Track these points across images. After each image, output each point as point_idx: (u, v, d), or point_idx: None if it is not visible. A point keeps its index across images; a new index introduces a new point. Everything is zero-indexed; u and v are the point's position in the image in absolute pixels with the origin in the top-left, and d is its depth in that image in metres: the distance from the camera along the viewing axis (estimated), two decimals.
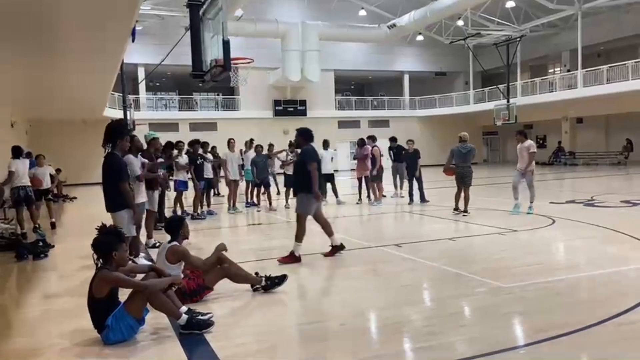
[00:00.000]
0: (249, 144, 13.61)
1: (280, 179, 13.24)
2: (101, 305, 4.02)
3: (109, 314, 3.98)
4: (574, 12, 26.12)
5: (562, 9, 26.43)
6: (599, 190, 14.31)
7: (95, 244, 4.11)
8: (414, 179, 13.21)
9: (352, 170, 14.39)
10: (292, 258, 6.59)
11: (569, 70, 29.23)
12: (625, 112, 26.20)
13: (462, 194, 10.44)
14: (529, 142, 10.40)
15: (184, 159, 11.38)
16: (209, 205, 12.19)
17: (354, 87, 40.15)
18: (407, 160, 13.51)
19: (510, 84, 28.42)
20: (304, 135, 7.02)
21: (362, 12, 30.91)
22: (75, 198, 18.15)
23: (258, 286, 5.26)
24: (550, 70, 33.79)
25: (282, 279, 5.34)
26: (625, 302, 4.53)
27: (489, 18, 29.30)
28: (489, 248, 7.44)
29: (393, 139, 14.29)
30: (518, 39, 27.78)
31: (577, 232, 8.33)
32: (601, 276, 5.61)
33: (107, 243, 4.10)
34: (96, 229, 4.22)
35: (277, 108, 31.68)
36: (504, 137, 36.96)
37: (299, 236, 6.70)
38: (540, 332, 3.94)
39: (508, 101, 28.03)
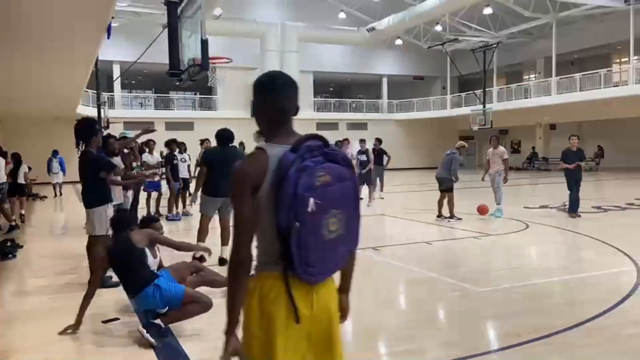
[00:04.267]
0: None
1: None
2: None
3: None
4: (549, 20, 26.65)
5: (538, 17, 26.94)
6: None
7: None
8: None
9: None
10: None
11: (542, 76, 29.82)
12: (597, 120, 26.84)
13: (446, 200, 10.39)
14: (502, 149, 10.76)
15: (154, 158, 11.19)
16: (184, 206, 12.00)
17: (333, 89, 40.21)
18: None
19: (486, 89, 28.84)
20: (216, 136, 7.01)
21: (342, 15, 30.98)
22: (45, 197, 17.74)
23: None
24: (525, 77, 34.39)
25: None
26: (596, 306, 4.61)
27: (467, 24, 29.69)
28: (465, 252, 7.51)
29: (379, 141, 14.41)
30: (494, 45, 28.19)
31: (550, 237, 8.47)
32: (573, 281, 5.70)
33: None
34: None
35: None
36: (479, 141, 37.47)
37: (198, 235, 6.75)
38: (514, 336, 3.97)
39: (484, 106, 28.42)
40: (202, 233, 6.72)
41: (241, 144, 14.25)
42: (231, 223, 6.81)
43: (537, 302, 4.94)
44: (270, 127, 1.89)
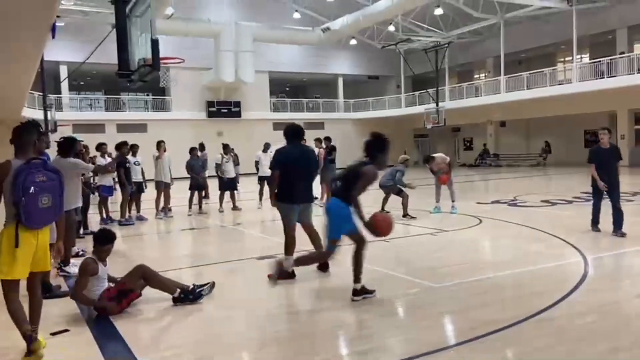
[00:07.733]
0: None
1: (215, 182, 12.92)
2: None
3: None
4: (497, 20, 27.47)
5: (486, 17, 27.72)
6: (521, 191, 15.08)
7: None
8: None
9: None
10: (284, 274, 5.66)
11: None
12: (543, 117, 27.87)
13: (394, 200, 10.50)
14: (441, 156, 11.17)
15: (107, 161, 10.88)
16: (138, 210, 11.68)
17: (289, 89, 40.12)
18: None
19: (439, 88, 29.45)
20: (285, 133, 5.99)
21: (297, 15, 30.96)
22: None
23: (175, 296, 4.94)
24: (475, 76, 35.33)
25: (199, 295, 4.99)
26: (547, 298, 4.76)
27: (419, 24, 30.23)
28: (421, 248, 7.62)
29: (328, 139, 14.23)
30: (446, 45, 28.87)
31: (502, 232, 8.72)
32: (525, 274, 5.87)
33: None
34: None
35: (210, 109, 31.04)
36: (433, 139, 38.26)
37: (286, 248, 5.91)
38: (471, 330, 4.05)
39: (437, 105, 29.04)
40: (291, 246, 5.88)
41: (201, 144, 14.08)
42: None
43: (490, 295, 5.06)
44: (17, 151, 3.82)
